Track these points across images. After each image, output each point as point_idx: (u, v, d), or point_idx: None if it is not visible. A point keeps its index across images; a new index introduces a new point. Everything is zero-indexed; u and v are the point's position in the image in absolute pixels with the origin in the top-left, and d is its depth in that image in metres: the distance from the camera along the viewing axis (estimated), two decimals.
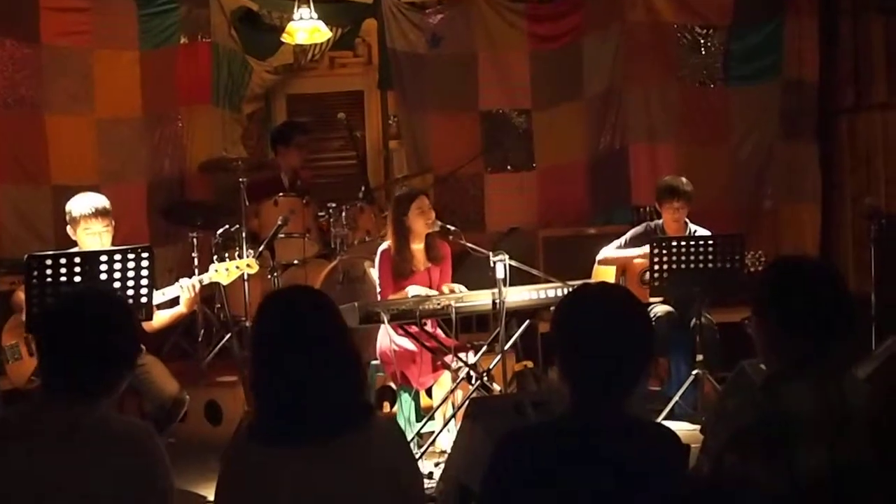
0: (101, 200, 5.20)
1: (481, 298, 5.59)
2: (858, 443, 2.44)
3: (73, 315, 2.76)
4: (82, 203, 5.16)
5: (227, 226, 6.89)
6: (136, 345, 2.88)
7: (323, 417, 2.58)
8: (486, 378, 5.60)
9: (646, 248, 6.33)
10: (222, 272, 5.42)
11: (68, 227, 5.20)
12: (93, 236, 5.12)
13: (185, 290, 5.21)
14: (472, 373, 5.62)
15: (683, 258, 6.12)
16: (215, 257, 6.45)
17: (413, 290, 5.79)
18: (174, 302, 5.28)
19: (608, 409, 2.52)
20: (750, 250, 6.43)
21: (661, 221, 6.74)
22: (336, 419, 2.60)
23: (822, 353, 2.60)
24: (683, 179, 6.61)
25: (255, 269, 5.63)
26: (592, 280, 6.44)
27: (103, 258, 4.70)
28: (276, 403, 2.62)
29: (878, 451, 2.25)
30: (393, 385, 6.08)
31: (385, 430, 2.70)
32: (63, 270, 4.59)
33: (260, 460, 2.57)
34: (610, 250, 6.74)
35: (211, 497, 5.12)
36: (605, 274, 6.71)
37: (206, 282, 5.36)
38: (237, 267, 5.48)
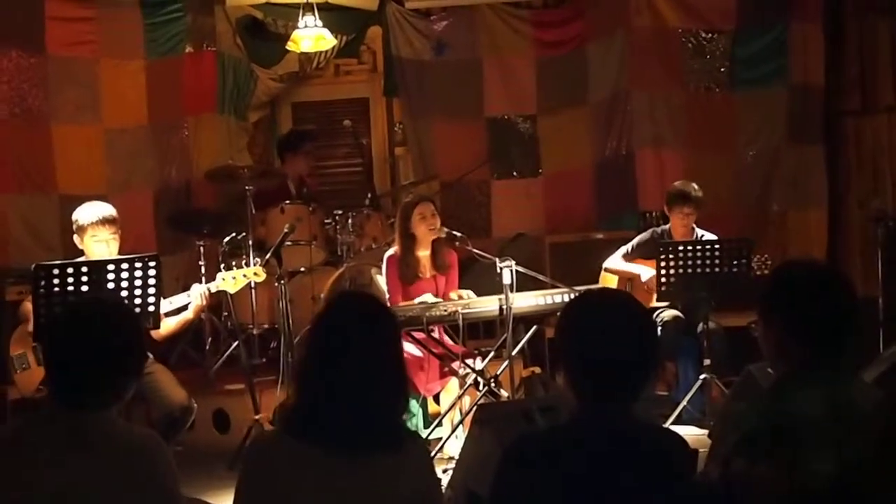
0: (107, 209, 5.20)
1: (488, 304, 5.59)
2: (866, 446, 2.44)
3: (79, 324, 2.75)
4: (89, 211, 5.16)
5: (233, 234, 6.90)
6: (142, 352, 2.87)
7: (363, 430, 2.55)
8: (493, 384, 5.59)
9: (651, 272, 6.35)
10: (229, 280, 5.43)
11: (75, 236, 5.20)
12: (100, 244, 5.12)
13: (195, 297, 5.22)
14: (479, 379, 5.61)
15: (691, 262, 6.11)
16: (222, 265, 6.45)
17: (422, 300, 5.80)
18: (181, 310, 5.28)
19: (615, 414, 2.52)
20: (756, 254, 6.41)
21: (667, 227, 6.73)
22: (375, 436, 2.57)
23: (830, 357, 2.59)
24: (695, 185, 6.58)
25: (261, 277, 5.64)
26: (598, 286, 6.44)
27: (111, 267, 4.70)
28: (321, 402, 2.57)
29: (887, 453, 2.24)
30: None
31: (418, 455, 2.67)
32: (70, 280, 4.59)
33: (288, 455, 2.54)
34: (616, 259, 6.73)
35: None
36: (612, 280, 6.71)
37: (213, 290, 5.36)
38: (244, 275, 5.50)
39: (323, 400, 2.57)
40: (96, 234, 5.12)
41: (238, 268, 5.67)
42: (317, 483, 2.52)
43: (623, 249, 6.76)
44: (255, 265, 5.77)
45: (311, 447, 2.53)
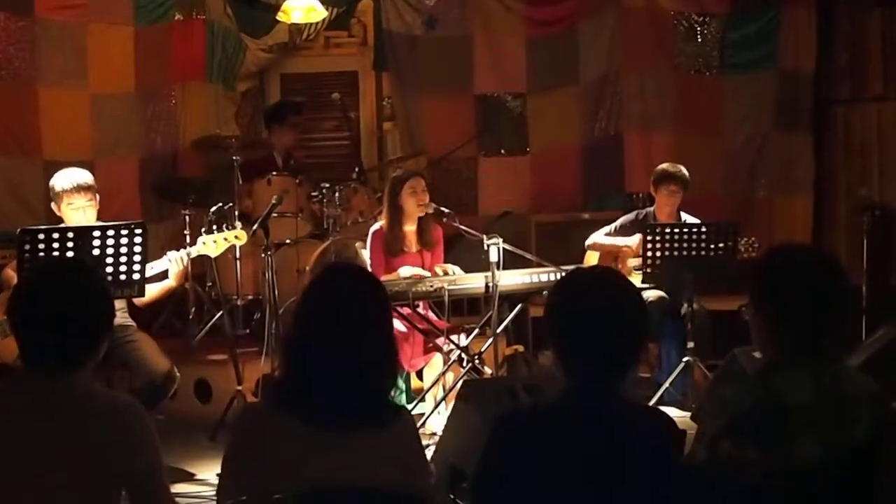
0: (83, 175, 5.13)
1: (474, 281, 5.60)
2: (853, 430, 2.45)
3: (46, 285, 2.71)
4: (64, 178, 5.09)
5: (219, 203, 6.85)
6: (108, 311, 2.80)
7: (352, 407, 2.52)
8: (477, 361, 5.59)
9: (634, 239, 6.36)
10: (210, 244, 5.33)
11: (52, 203, 5.14)
12: (76, 211, 5.05)
13: (173, 262, 5.13)
14: (463, 355, 5.62)
15: (677, 245, 6.12)
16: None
17: (405, 271, 5.79)
18: (163, 276, 5.21)
19: (603, 393, 2.52)
20: (743, 237, 6.43)
21: (651, 209, 6.74)
22: (364, 413, 2.54)
23: (819, 342, 2.59)
24: (681, 166, 6.61)
25: (243, 240, 5.52)
26: (585, 265, 6.45)
27: (96, 234, 4.66)
28: (311, 377, 2.53)
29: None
30: None
31: (405, 431, 2.64)
32: (56, 245, 4.56)
33: (276, 429, 2.50)
34: (598, 236, 6.73)
35: (199, 474, 5.15)
36: (594, 258, 6.72)
37: (194, 254, 5.27)
38: (225, 239, 5.38)
39: (312, 375, 2.52)
40: (72, 201, 5.06)
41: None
42: (304, 458, 2.48)
43: (606, 229, 6.75)
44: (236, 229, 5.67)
45: (299, 422, 2.49)
